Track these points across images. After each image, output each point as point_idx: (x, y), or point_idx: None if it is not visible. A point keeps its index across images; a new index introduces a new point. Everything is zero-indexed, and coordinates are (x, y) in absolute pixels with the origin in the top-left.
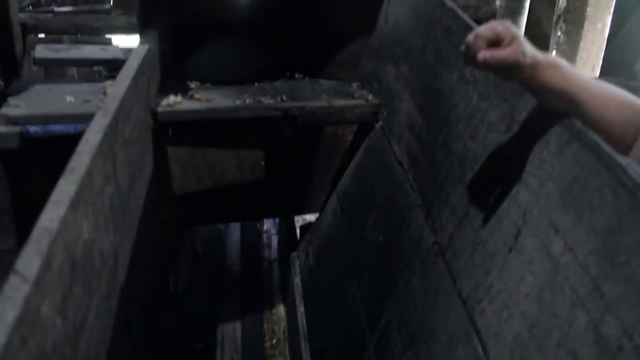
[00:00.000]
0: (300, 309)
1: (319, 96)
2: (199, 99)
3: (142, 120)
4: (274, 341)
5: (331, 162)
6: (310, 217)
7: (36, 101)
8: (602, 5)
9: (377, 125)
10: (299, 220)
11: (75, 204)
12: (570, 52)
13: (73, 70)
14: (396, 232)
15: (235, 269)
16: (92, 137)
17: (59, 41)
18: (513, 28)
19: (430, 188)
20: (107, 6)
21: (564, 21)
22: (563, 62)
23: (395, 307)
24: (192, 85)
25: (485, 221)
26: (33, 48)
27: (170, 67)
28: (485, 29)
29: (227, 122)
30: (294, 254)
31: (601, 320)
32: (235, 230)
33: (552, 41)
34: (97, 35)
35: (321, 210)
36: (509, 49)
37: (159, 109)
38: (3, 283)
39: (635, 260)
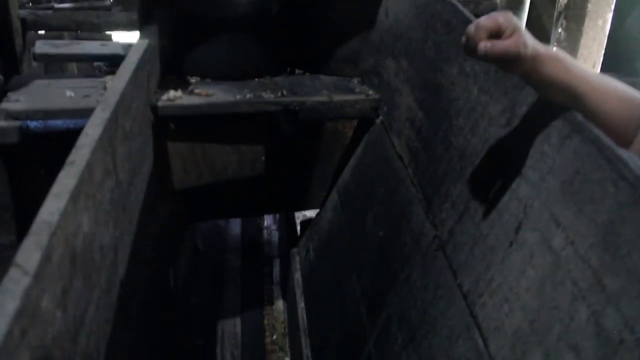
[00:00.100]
0: (301, 304)
1: (320, 91)
2: (199, 94)
3: (142, 115)
4: (275, 337)
5: (331, 157)
6: (311, 214)
7: (36, 96)
8: (603, 1)
9: (378, 120)
10: (299, 217)
11: (75, 197)
12: (571, 48)
13: (73, 67)
14: (396, 226)
15: (236, 264)
16: (92, 131)
17: (59, 38)
18: (514, 19)
19: (431, 182)
20: (107, 3)
21: (565, 18)
22: (564, 55)
23: (395, 301)
24: (192, 80)
25: (486, 215)
26: (33, 45)
27: (171, 63)
28: (486, 20)
29: (227, 117)
30: (294, 250)
31: (602, 313)
32: (235, 226)
33: (552, 38)
34: (97, 31)
35: (321, 205)
36: (510, 40)
37: (159, 104)
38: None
39: (636, 253)
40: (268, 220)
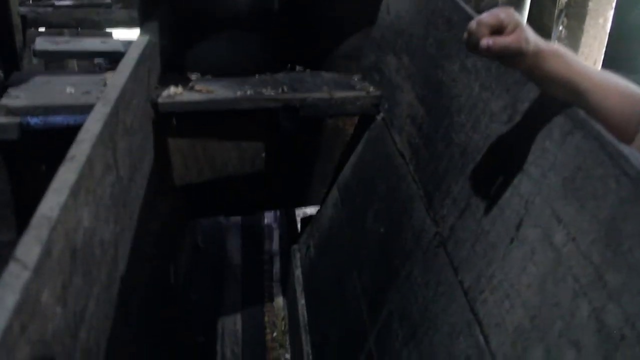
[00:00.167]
0: (301, 301)
1: (320, 88)
2: (199, 91)
3: (143, 111)
4: (275, 334)
5: (332, 154)
6: (311, 211)
7: (36, 92)
8: (604, 0)
9: (378, 117)
10: (300, 214)
11: (75, 192)
12: (572, 46)
13: (74, 64)
14: (397, 223)
15: (236, 261)
16: (92, 126)
17: (60, 35)
18: (516, 15)
19: (432, 179)
20: (107, 0)
21: (566, 15)
22: (566, 51)
23: (396, 298)
24: (193, 76)
25: (487, 212)
26: (33, 42)
27: (171, 59)
28: (488, 16)
29: (227, 114)
30: (295, 247)
31: (603, 309)
32: (235, 223)
33: (553, 36)
34: (97, 29)
35: (322, 202)
36: (512, 36)
37: (160, 100)
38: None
39: (637, 249)
40: (268, 217)
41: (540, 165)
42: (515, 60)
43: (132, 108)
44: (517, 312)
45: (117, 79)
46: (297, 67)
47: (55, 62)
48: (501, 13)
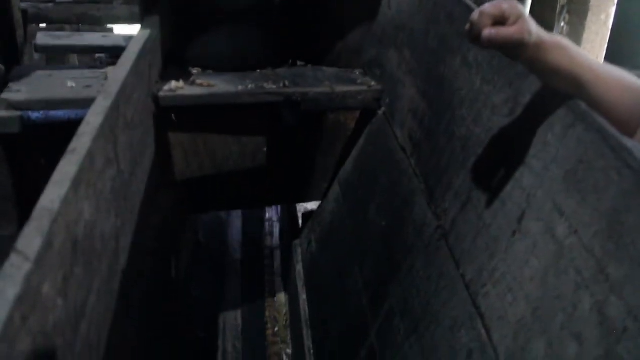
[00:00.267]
0: (303, 296)
1: (322, 83)
2: (200, 85)
3: (144, 105)
4: (276, 329)
5: (333, 149)
6: (312, 206)
7: (37, 86)
8: None
9: (380, 112)
10: (301, 209)
11: (76, 185)
12: (574, 43)
13: (74, 59)
14: (399, 217)
15: (237, 257)
16: (93, 119)
17: (61, 31)
18: (519, 6)
19: (433, 173)
20: None
21: (568, 12)
22: (569, 43)
23: (398, 292)
24: (194, 71)
25: (489, 205)
26: (34, 38)
27: (172, 54)
28: (490, 7)
29: (229, 108)
30: (296, 242)
31: (606, 302)
32: (236, 218)
33: (555, 32)
34: (98, 25)
35: (323, 197)
36: (515, 27)
37: (161, 94)
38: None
39: None
40: (270, 212)
41: (542, 158)
42: (517, 52)
43: (133, 102)
44: (519, 305)
45: (118, 72)
46: (299, 62)
47: (56, 57)
48: (504, 4)
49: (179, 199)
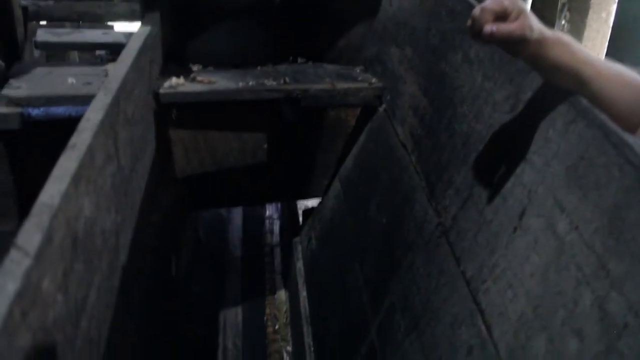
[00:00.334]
0: (303, 293)
1: (323, 79)
2: (201, 81)
3: (144, 101)
4: (277, 326)
5: (334, 146)
6: (313, 203)
7: (38, 83)
8: None
9: (381, 109)
10: (302, 206)
11: (76, 180)
12: None
13: (75, 56)
14: (399, 214)
15: (237, 254)
16: (93, 115)
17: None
18: (520, 2)
19: (434, 169)
20: None
21: (568, 9)
22: (570, 39)
23: (398, 289)
24: (195, 68)
25: (490, 201)
26: (35, 35)
27: (172, 50)
28: (492, 3)
29: (229, 105)
30: (297, 239)
31: (606, 298)
32: (237, 215)
33: (556, 29)
34: (99, 22)
35: (324, 194)
36: (516, 22)
37: (161, 91)
38: None
39: None
40: (270, 210)
41: (544, 155)
42: (518, 48)
43: (133, 98)
44: (520, 301)
45: (119, 69)
46: (299, 59)
47: (56, 54)
48: (505, 0)
49: (179, 196)
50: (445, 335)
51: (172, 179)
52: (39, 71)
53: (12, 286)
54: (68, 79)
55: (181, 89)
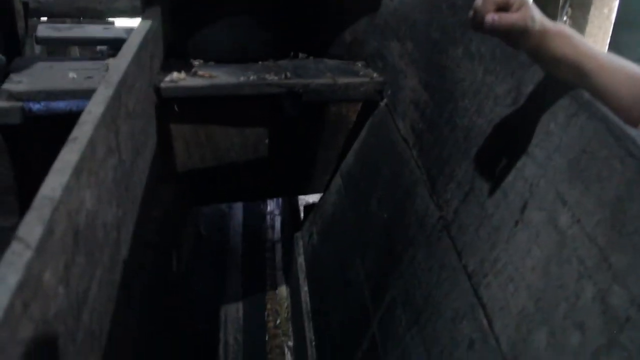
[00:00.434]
0: (304, 288)
1: (324, 74)
2: (202, 76)
3: (145, 96)
4: (278, 321)
5: (335, 141)
6: (314, 198)
7: (39, 77)
8: None
9: (382, 103)
10: (303, 202)
11: (77, 173)
12: None
13: (76, 51)
14: (401, 209)
15: (238, 249)
16: (94, 108)
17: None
18: None
19: (436, 164)
20: None
21: (570, 6)
22: (572, 31)
23: (399, 284)
24: (196, 63)
25: (491, 195)
26: (35, 31)
27: (173, 45)
28: None
29: (230, 99)
30: (298, 234)
31: (608, 291)
32: (238, 211)
33: None
34: (99, 18)
35: (325, 189)
36: (518, 13)
37: (162, 85)
38: None
39: None
40: (271, 205)
41: (545, 148)
42: (520, 40)
43: (134, 92)
44: (522, 295)
45: (120, 62)
46: (300, 54)
47: (57, 50)
48: None
49: (180, 191)
50: (446, 329)
51: (173, 174)
52: (40, 66)
53: (13, 278)
54: (69, 73)
55: (182, 83)
